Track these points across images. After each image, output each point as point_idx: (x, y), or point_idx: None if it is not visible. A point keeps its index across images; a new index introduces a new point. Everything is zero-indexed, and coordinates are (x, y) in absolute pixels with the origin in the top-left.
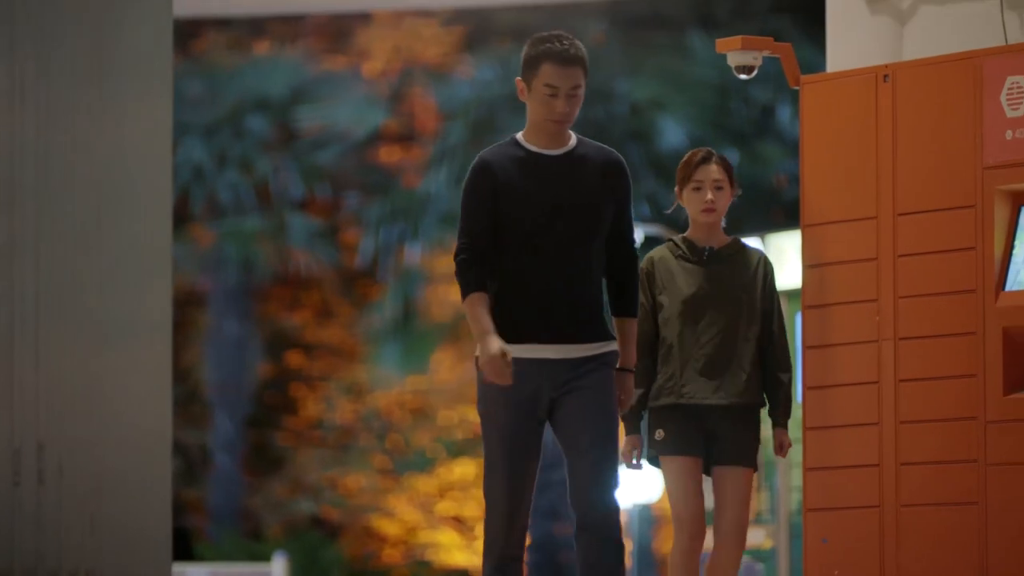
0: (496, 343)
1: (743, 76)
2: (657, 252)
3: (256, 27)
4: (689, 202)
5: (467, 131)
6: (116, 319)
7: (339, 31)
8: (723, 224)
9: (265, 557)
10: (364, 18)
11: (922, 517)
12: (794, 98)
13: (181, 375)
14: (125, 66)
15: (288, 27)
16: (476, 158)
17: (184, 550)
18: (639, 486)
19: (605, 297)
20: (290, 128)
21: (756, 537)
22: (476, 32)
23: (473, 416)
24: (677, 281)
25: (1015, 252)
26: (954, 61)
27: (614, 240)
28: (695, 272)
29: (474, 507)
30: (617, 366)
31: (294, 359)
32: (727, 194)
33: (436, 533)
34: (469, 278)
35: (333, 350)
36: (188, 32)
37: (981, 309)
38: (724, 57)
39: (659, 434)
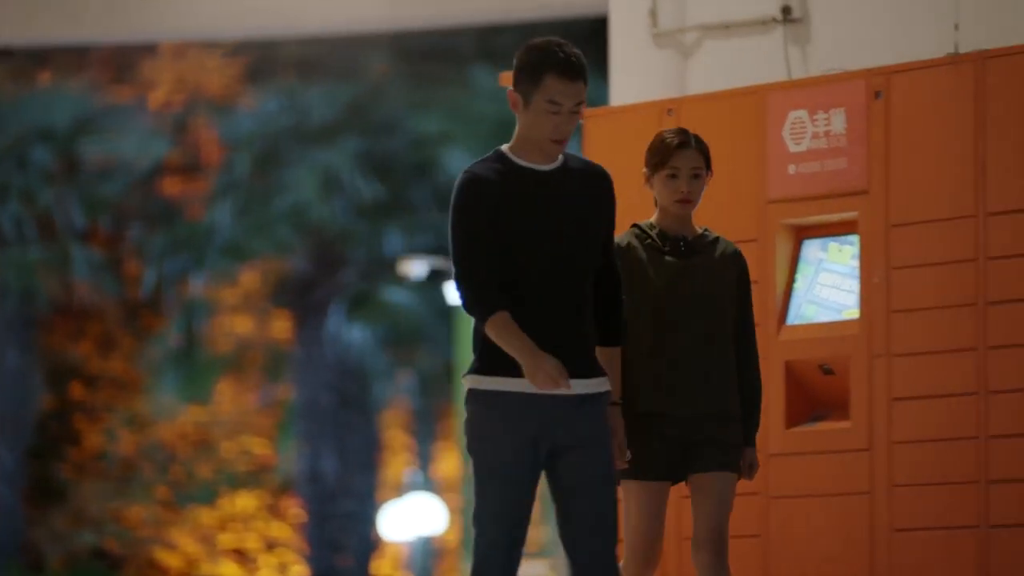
0: (549, 358)
1: None
2: (622, 238)
3: (39, 58)
4: (661, 189)
5: (251, 163)
6: None
7: (124, 62)
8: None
9: None
10: (149, 49)
11: None
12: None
13: None
14: None
15: (72, 58)
16: (463, 173)
17: None
18: (421, 518)
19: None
20: (74, 159)
21: (537, 569)
22: (260, 63)
23: (255, 448)
24: (648, 273)
25: (797, 286)
26: (738, 96)
27: (604, 258)
28: (668, 264)
29: (255, 539)
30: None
31: (76, 390)
32: (703, 182)
33: (217, 565)
34: (486, 299)
35: (116, 381)
36: None
37: (763, 343)
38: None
39: (627, 454)
